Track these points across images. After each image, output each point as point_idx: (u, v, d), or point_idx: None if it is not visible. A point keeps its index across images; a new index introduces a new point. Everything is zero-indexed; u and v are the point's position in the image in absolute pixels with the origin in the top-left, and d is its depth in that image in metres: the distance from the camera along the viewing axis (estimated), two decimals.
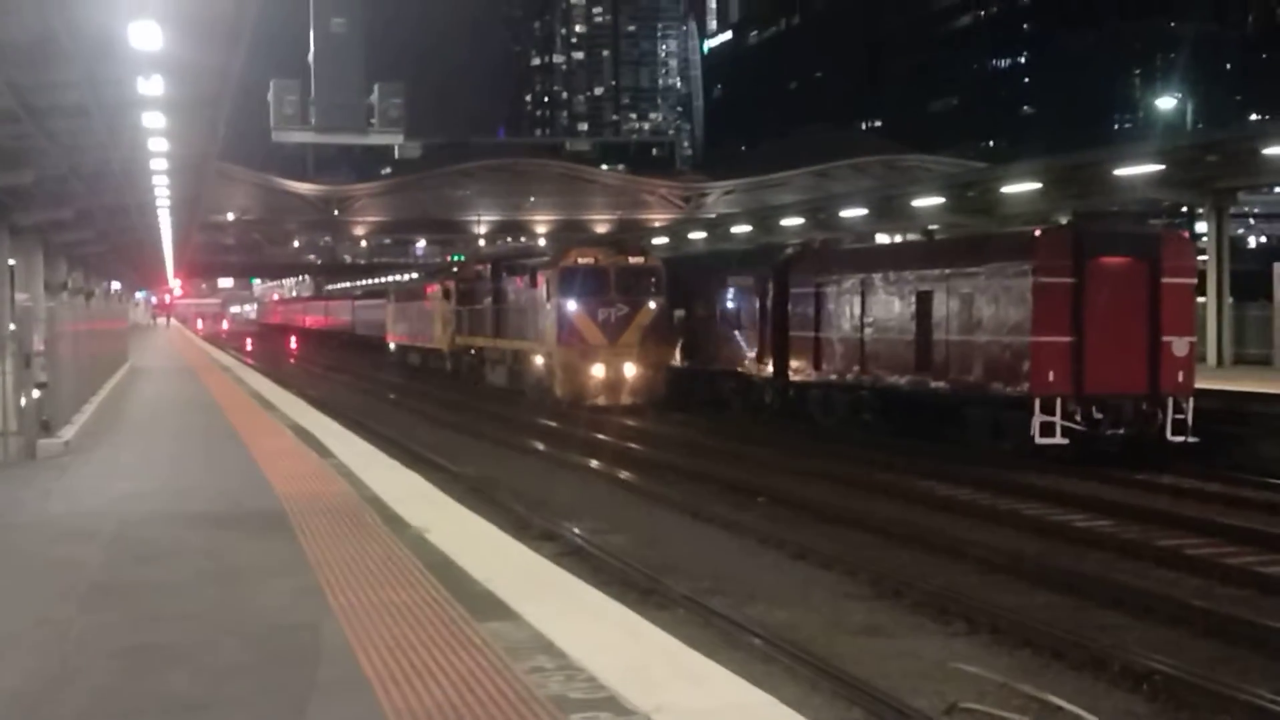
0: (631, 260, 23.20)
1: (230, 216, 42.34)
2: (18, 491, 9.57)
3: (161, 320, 65.36)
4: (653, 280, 22.80)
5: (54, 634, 4.98)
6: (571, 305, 21.94)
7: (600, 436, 19.63)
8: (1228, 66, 72.54)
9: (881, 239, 29.39)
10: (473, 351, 29.59)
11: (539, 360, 23.64)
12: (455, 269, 36.50)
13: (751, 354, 21.08)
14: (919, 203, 26.65)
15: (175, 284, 61.77)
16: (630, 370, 21.96)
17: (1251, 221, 32.03)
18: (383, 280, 50.28)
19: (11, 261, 17.36)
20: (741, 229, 34.23)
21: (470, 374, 29.93)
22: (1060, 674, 6.55)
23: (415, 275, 44.85)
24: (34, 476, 10.51)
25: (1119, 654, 6.67)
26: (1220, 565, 9.69)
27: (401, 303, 39.13)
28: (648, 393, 22.20)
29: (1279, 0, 68.22)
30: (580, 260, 22.63)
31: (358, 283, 56.72)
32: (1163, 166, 20.36)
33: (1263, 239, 37.36)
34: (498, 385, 26.89)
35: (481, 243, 45.36)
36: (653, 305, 22.45)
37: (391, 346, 40.24)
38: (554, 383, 22.48)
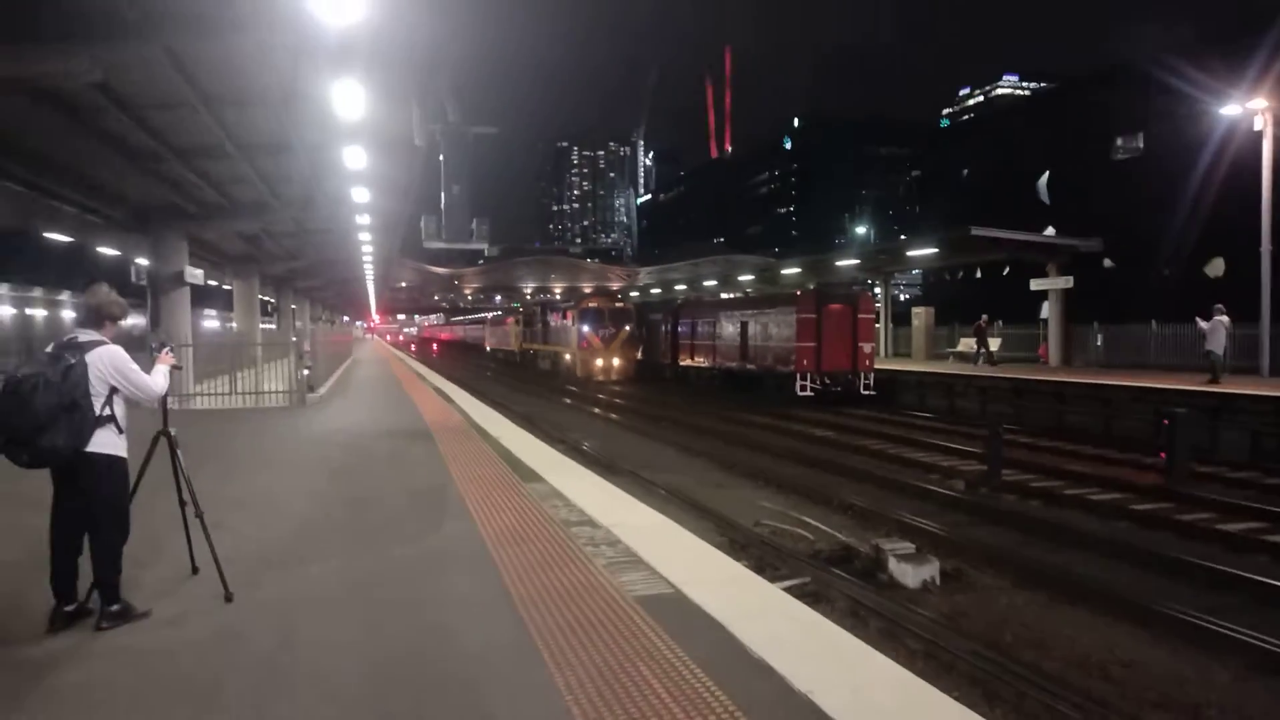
0: (616, 304, 39.25)
1: (403, 284, 70.22)
2: (297, 421, 15.25)
3: (367, 336, 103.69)
4: (627, 315, 37.94)
5: (312, 490, 8.47)
6: (586, 328, 36.62)
7: (588, 394, 30.94)
8: (890, 212, 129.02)
9: (724, 295, 46.55)
10: (531, 351, 46.97)
11: (568, 357, 38.63)
12: (520, 309, 57.21)
13: (667, 353, 36.27)
14: (741, 277, 46.52)
15: (376, 317, 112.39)
16: (616, 362, 36.73)
17: (901, 286, 53.90)
18: (478, 315, 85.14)
19: (294, 306, 39.11)
20: (655, 290, 59.52)
21: (528, 363, 47.37)
22: (810, 507, 11.98)
23: (498, 313, 72.49)
24: (304, 413, 16.65)
25: (837, 495, 12.36)
26: (885, 453, 16.69)
27: (494, 326, 64.61)
28: (625, 375, 36.80)
29: (910, 173, 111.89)
30: (590, 304, 38.00)
31: (467, 316, 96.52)
32: (859, 260, 36.06)
33: (904, 296, 62.07)
34: (544, 369, 42.93)
35: (528, 297, 72.52)
36: (627, 328, 37.17)
37: (488, 349, 64.85)
38: (576, 368, 37.14)
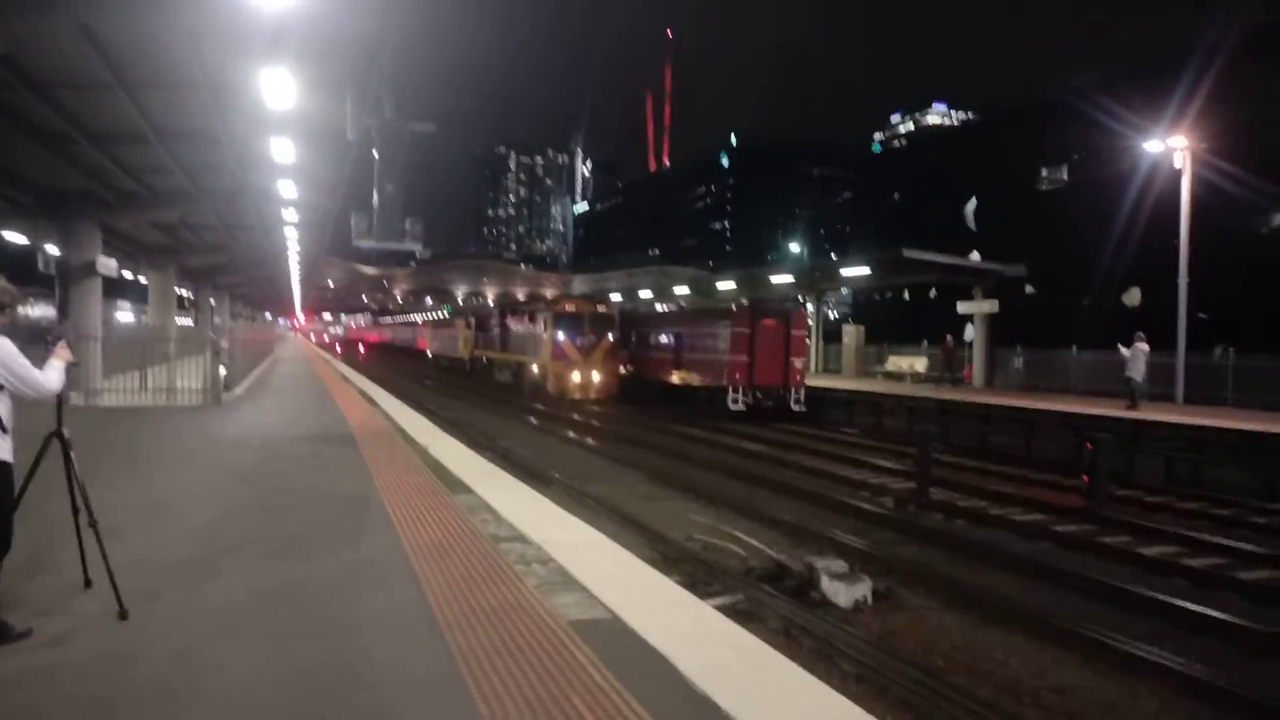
0: (598, 309, 31.98)
1: (330, 283, 68.76)
2: (210, 421, 14.46)
3: (291, 335, 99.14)
4: (610, 322, 31.69)
5: (223, 496, 7.94)
6: (561, 335, 30.53)
7: (519, 400, 30.34)
8: (822, 230, 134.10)
9: (659, 306, 46.05)
10: (485, 360, 40.71)
11: (535, 369, 32.46)
12: (472, 310, 51.28)
13: None
14: (676, 289, 43.89)
15: (300, 316, 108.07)
16: (596, 378, 30.57)
17: (831, 304, 53.17)
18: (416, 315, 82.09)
19: (212, 302, 36.50)
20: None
21: (481, 373, 40.92)
22: (741, 521, 11.87)
23: (444, 314, 69.23)
24: (219, 413, 15.82)
25: (767, 511, 12.27)
26: (816, 469, 16.70)
27: (438, 328, 57.81)
28: (606, 393, 30.66)
29: (842, 193, 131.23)
30: (567, 308, 31.60)
31: (403, 317, 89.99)
32: (793, 277, 35.12)
33: (834, 314, 60.43)
34: (501, 382, 36.69)
35: (460, 301, 73.45)
36: (610, 337, 31.16)
37: (429, 354, 57.73)
38: (546, 382, 30.93)
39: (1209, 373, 21.41)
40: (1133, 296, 29.45)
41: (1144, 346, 19.87)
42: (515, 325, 36.23)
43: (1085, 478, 13.67)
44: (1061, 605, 8.52)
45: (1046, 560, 10.19)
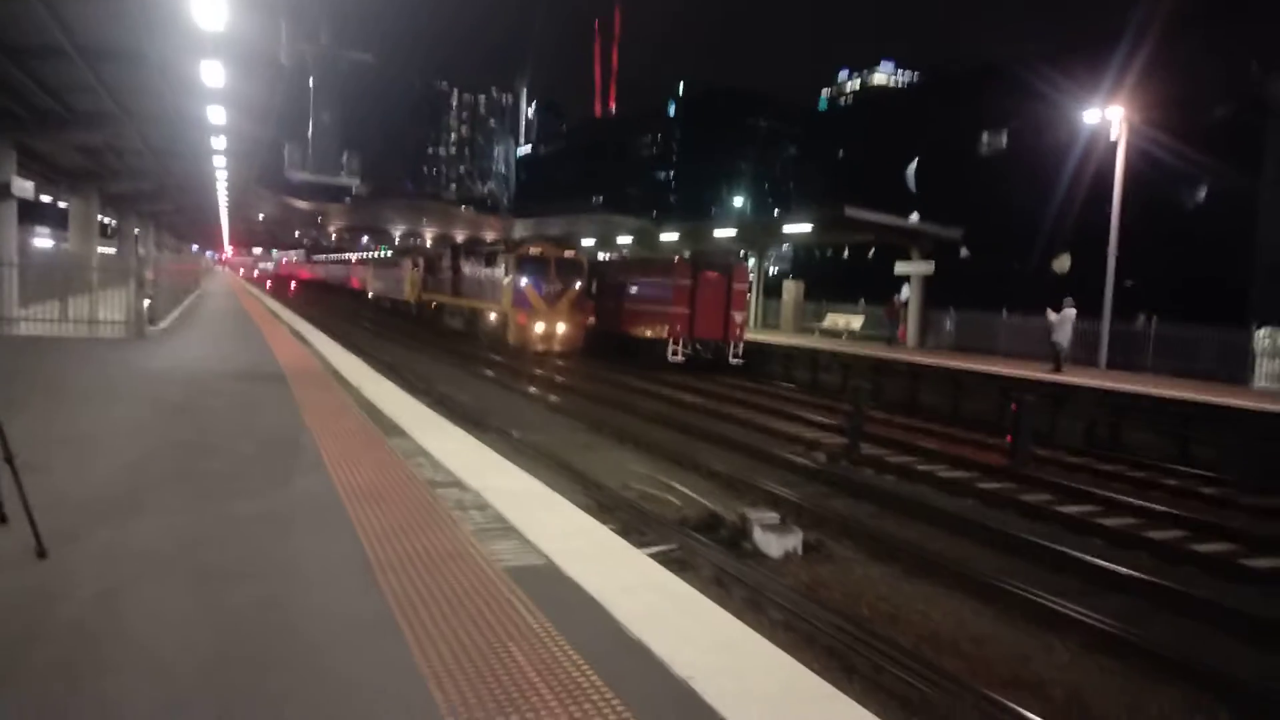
0: (565, 254, 29.82)
1: (260, 216, 64.56)
2: (133, 355, 13.98)
3: (218, 268, 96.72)
4: (579, 269, 29.44)
5: (148, 433, 7.75)
6: (525, 281, 28.17)
7: (458, 345, 29.44)
8: (766, 185, 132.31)
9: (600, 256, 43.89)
10: (434, 305, 38.21)
11: (493, 316, 30.20)
12: (420, 251, 48.05)
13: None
14: (619, 238, 43.51)
15: (229, 249, 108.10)
16: (562, 329, 28.41)
17: (772, 260, 54.48)
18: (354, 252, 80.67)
19: (137, 231, 34.22)
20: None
21: (428, 319, 38.31)
22: (676, 471, 12.03)
23: (386, 251, 66.58)
24: (144, 346, 15.31)
25: (704, 462, 12.43)
26: (752, 421, 17.02)
27: (380, 268, 54.99)
28: (572, 346, 28.57)
29: (788, 149, 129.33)
30: (532, 251, 29.12)
31: (340, 254, 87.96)
32: (736, 231, 35.27)
33: (774, 269, 60.73)
34: (451, 328, 34.52)
35: (396, 241, 71.11)
36: (578, 285, 28.96)
37: (369, 294, 55.26)
38: (506, 333, 28.76)
39: (1131, 340, 22.17)
40: (1062, 263, 30.18)
41: (1071, 312, 20.46)
42: (471, 268, 33.58)
43: (1009, 438, 14.11)
44: (983, 560, 8.84)
45: (970, 516, 10.53)
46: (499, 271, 29.78)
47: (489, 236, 58.03)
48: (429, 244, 59.83)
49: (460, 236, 60.70)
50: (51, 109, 17.24)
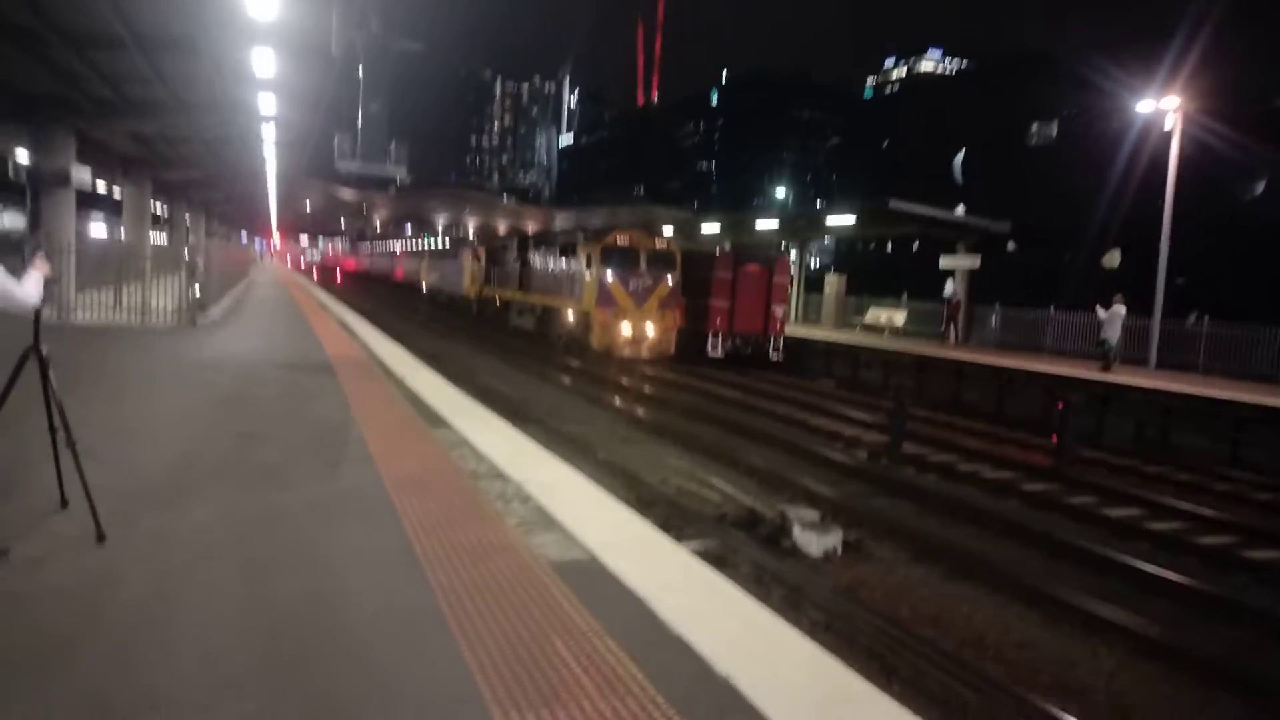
0: (655, 244, 25.95)
1: (308, 205, 65.79)
2: (185, 343, 14.38)
3: (266, 257, 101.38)
4: (671, 261, 25.62)
5: (201, 422, 7.93)
6: (610, 275, 24.63)
7: (488, 331, 29.55)
8: (808, 176, 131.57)
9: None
10: (497, 301, 34.68)
11: (570, 315, 26.60)
12: (483, 240, 45.95)
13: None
14: (664, 229, 39.45)
15: (276, 237, 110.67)
16: (652, 331, 24.98)
17: (813, 252, 51.62)
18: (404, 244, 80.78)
19: (188, 218, 35.69)
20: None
21: (491, 316, 35.14)
22: (715, 466, 12.02)
23: (443, 243, 65.83)
24: (195, 335, 15.76)
25: (743, 458, 12.39)
26: (792, 418, 16.80)
27: (436, 259, 52.25)
28: (663, 352, 25.22)
29: (831, 139, 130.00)
30: (618, 240, 25.37)
31: (392, 244, 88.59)
32: (777, 224, 34.95)
33: (816, 262, 58.81)
34: (519, 328, 31.11)
35: (441, 230, 72.42)
36: (669, 280, 25.23)
37: (424, 289, 52.60)
38: (589, 334, 25.15)
39: (1182, 338, 21.66)
40: (1112, 259, 29.59)
41: (1121, 309, 20.05)
42: (543, 259, 29.68)
43: (1054, 438, 13.89)
44: (1027, 562, 8.72)
45: (1014, 517, 10.39)
46: (578, 264, 26.08)
47: (530, 228, 57.85)
48: (481, 234, 59.20)
49: (501, 228, 60.96)
50: (109, 98, 17.66)
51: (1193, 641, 6.68)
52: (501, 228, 61.09)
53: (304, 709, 3.02)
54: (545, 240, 31.22)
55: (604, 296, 24.67)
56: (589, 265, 25.21)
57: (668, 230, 41.05)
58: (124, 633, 3.52)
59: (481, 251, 38.63)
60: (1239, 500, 12.26)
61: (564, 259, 27.49)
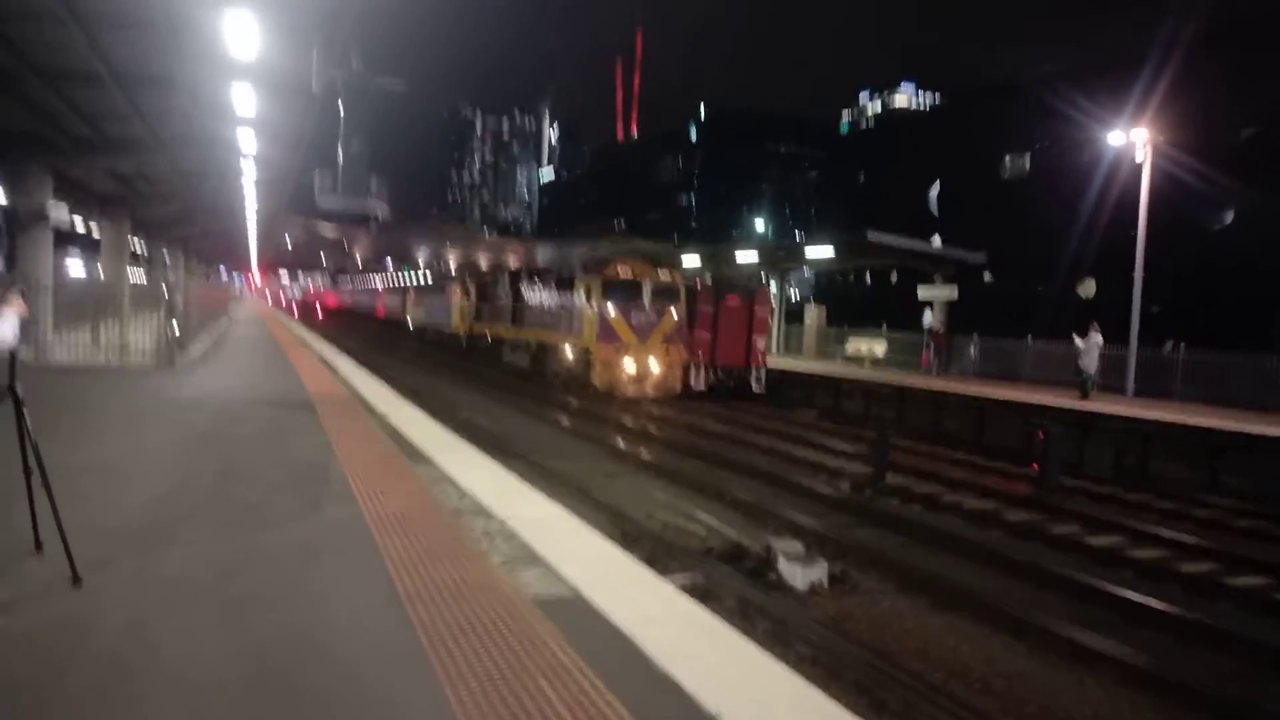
0: (660, 276, 24.73)
1: (289, 241, 67.16)
2: (164, 382, 14.31)
3: (246, 293, 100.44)
4: (674, 294, 24.56)
5: (179, 462, 7.81)
6: (611, 309, 23.45)
7: (477, 367, 29.25)
8: (787, 209, 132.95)
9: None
10: (488, 337, 33.38)
11: (569, 352, 25.28)
12: (472, 274, 42.68)
13: None
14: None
15: (256, 274, 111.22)
16: (656, 368, 23.79)
17: (793, 284, 53.90)
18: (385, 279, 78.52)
19: (167, 256, 35.54)
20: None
21: (482, 353, 33.87)
22: (700, 499, 11.99)
23: (427, 279, 64.38)
24: (174, 374, 15.58)
25: (727, 490, 12.38)
26: (775, 449, 16.89)
27: (423, 295, 50.43)
28: (668, 390, 24.04)
29: (809, 172, 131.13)
30: (620, 271, 24.28)
31: (374, 282, 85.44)
32: (757, 256, 34.90)
33: (795, 294, 59.77)
34: (513, 366, 29.72)
35: (422, 265, 72.74)
36: (673, 313, 24.14)
37: (410, 325, 50.96)
38: (590, 371, 23.94)
39: (1159, 366, 21.89)
40: (1087, 288, 29.95)
41: (1098, 338, 20.27)
42: (537, 294, 28.41)
43: (1036, 466, 13.96)
44: (1012, 592, 8.72)
45: (998, 547, 10.41)
46: (576, 297, 24.87)
47: (512, 264, 57.55)
48: (470, 268, 58.09)
49: (483, 263, 60.99)
50: (86, 135, 17.62)
51: (1177, 670, 6.68)
52: (484, 262, 61.07)
53: None
54: (539, 273, 29.90)
55: (606, 331, 23.41)
56: (589, 299, 24.09)
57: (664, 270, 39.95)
58: (98, 680, 3.44)
59: (471, 286, 37.30)
60: (1219, 526, 12.34)
61: (560, 292, 26.33)
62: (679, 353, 24.37)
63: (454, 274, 53.95)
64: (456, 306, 38.61)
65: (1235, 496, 14.22)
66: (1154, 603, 8.28)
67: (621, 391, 23.26)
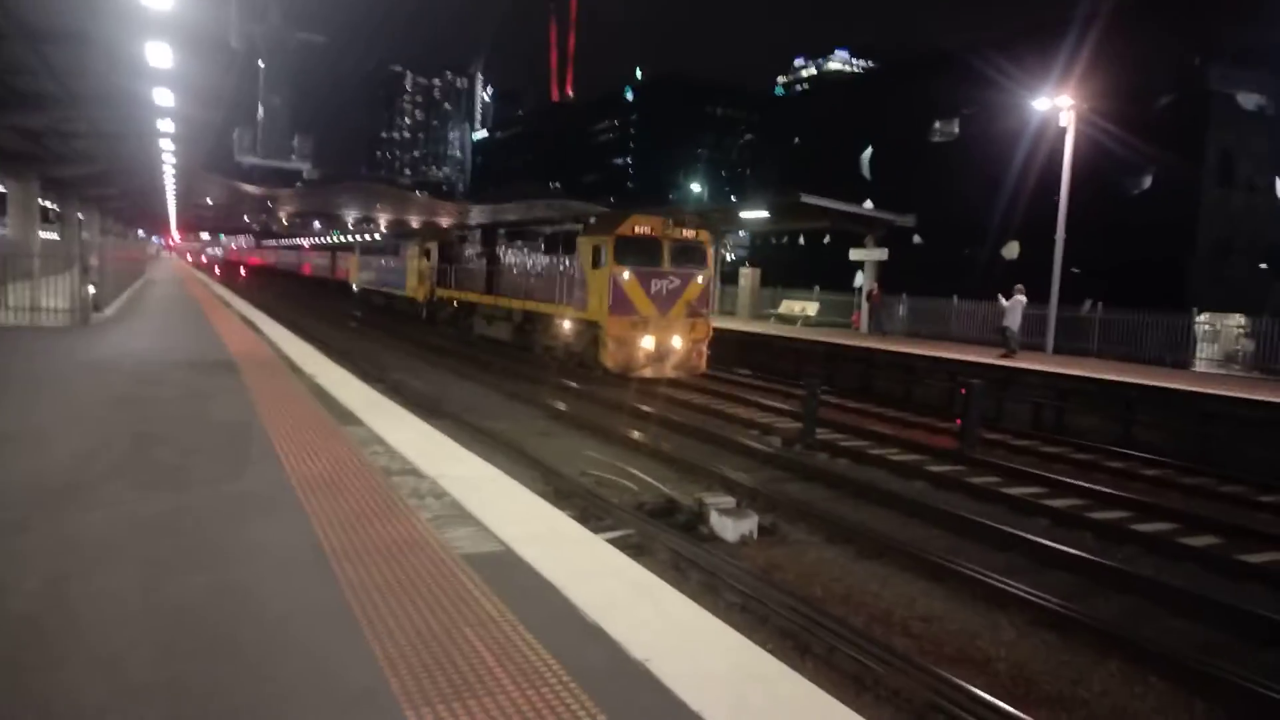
0: (684, 235, 20.49)
1: (209, 201, 64.68)
2: (77, 343, 13.83)
3: (166, 254, 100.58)
4: (701, 255, 20.77)
5: (96, 423, 7.69)
6: (625, 275, 19.50)
7: (403, 330, 29.10)
8: (723, 172, 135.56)
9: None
10: (456, 305, 29.44)
11: (567, 326, 21.50)
12: (433, 233, 39.25)
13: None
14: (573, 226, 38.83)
15: (176, 235, 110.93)
16: (677, 343, 20.09)
17: (729, 247, 54.31)
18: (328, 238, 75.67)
19: (80, 216, 34.81)
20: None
21: (447, 323, 30.26)
22: (634, 457, 12.05)
23: (375, 234, 61.30)
24: (88, 335, 15.10)
25: (662, 448, 12.52)
26: (709, 407, 17.22)
27: (371, 256, 45.25)
28: (692, 369, 20.64)
29: (744, 135, 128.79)
30: (636, 228, 20.01)
31: (310, 238, 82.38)
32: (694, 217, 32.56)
33: (731, 256, 60.41)
34: (490, 337, 26.00)
35: (350, 226, 70.97)
36: (700, 281, 20.47)
37: (355, 289, 46.94)
38: (596, 351, 20.17)
39: (1078, 325, 22.68)
40: (1011, 250, 30.75)
41: (1022, 299, 20.87)
42: (521, 256, 24.87)
43: (959, 421, 14.39)
44: (933, 540, 9.03)
45: (921, 498, 10.73)
46: (579, 261, 20.81)
47: (444, 223, 56.53)
48: (432, 226, 54.21)
49: (414, 223, 59.64)
50: None
51: (1087, 610, 7.01)
52: (414, 222, 59.70)
53: (209, 713, 2.95)
54: (524, 233, 26.32)
55: (619, 302, 19.52)
56: (596, 263, 20.02)
57: (577, 226, 38.09)
58: (16, 645, 3.36)
59: (433, 247, 32.77)
60: (1130, 476, 12.91)
61: (553, 255, 22.79)
62: (706, 326, 20.73)
63: (410, 232, 48.58)
64: (414, 269, 34.21)
65: (1146, 448, 14.86)
66: (1067, 548, 8.65)
67: (637, 372, 19.73)
